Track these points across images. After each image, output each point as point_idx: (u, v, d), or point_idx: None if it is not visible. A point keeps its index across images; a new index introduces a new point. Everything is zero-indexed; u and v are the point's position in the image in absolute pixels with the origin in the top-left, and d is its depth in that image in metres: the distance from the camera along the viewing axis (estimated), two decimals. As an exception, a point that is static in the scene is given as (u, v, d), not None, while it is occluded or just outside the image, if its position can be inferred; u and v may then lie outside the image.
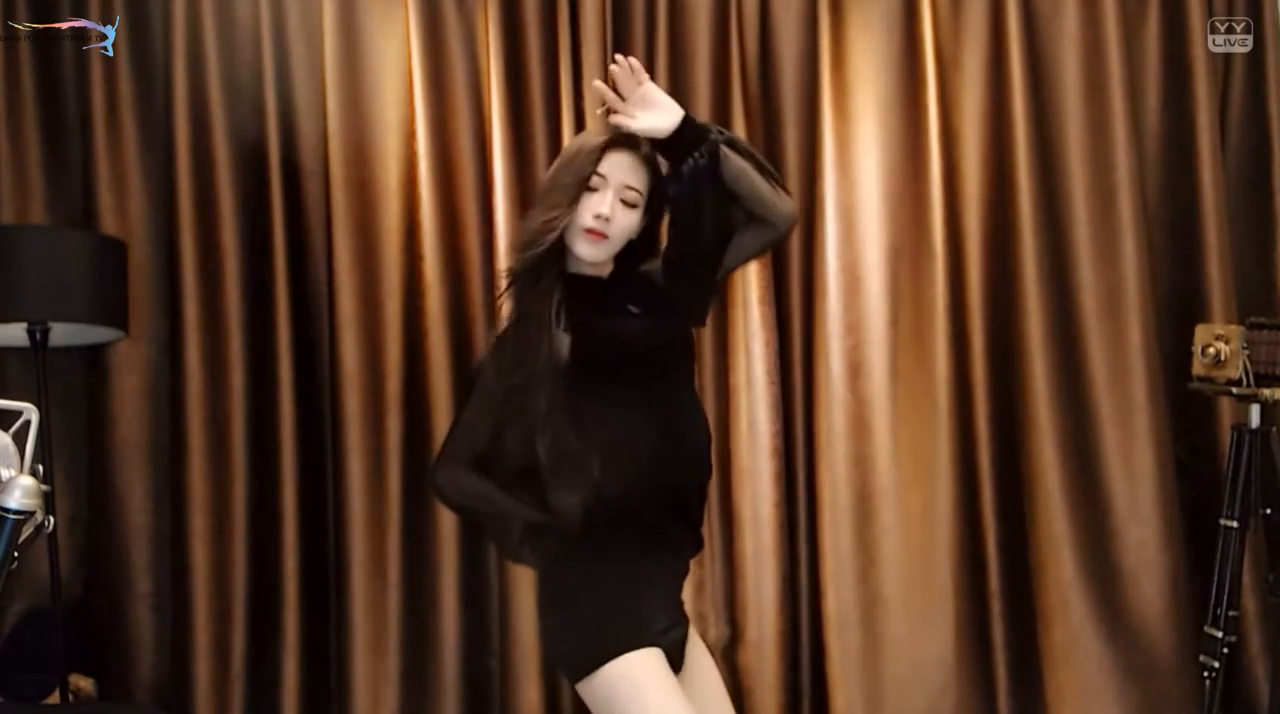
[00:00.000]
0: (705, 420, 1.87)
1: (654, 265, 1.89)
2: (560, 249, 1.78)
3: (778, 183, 1.80)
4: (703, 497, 1.84)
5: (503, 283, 1.84)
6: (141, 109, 2.86)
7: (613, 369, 1.76)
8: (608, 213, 1.75)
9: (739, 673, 2.83)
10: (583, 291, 1.79)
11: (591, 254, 1.78)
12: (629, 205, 1.78)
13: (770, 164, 1.81)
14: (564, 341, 1.70)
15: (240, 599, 2.74)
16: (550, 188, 1.80)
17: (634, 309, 1.81)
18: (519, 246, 1.80)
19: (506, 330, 1.80)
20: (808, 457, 2.87)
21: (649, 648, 1.65)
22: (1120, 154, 2.82)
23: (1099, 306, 2.82)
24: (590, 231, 1.75)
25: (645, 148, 1.81)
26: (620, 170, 1.78)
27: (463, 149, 2.86)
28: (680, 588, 1.80)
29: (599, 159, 1.76)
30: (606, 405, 1.72)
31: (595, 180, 1.76)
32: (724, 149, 1.73)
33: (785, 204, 1.80)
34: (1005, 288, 2.87)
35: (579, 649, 1.67)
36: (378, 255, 2.82)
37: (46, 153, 2.87)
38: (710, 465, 1.87)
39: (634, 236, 1.82)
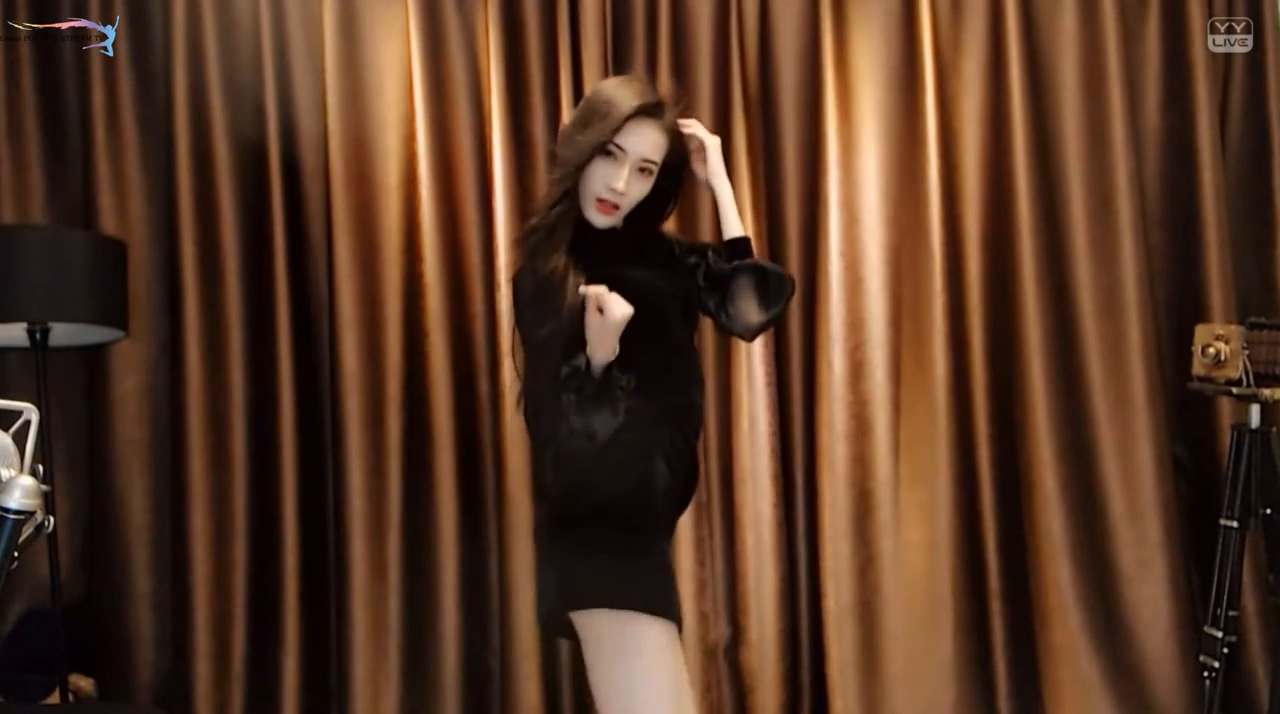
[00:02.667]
0: (703, 377, 1.92)
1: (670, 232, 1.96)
2: (575, 203, 1.80)
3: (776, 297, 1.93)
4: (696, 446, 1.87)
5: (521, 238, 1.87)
6: (141, 109, 2.86)
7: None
8: (622, 187, 1.77)
9: (740, 672, 2.83)
10: (596, 241, 1.81)
11: (600, 223, 1.81)
12: (644, 173, 1.80)
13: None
14: (579, 288, 1.71)
15: (240, 599, 2.74)
16: (568, 145, 1.81)
17: (644, 261, 1.85)
18: (543, 200, 1.83)
19: (520, 276, 1.82)
20: (808, 456, 2.87)
21: (674, 625, 1.69)
22: (1119, 154, 2.82)
23: (1098, 307, 2.82)
24: (601, 202, 1.78)
25: (669, 118, 1.83)
26: (642, 144, 1.78)
27: (463, 149, 2.86)
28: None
29: (620, 127, 1.76)
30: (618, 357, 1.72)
31: (614, 148, 1.76)
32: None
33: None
34: (1004, 288, 2.87)
35: (608, 582, 1.68)
36: (378, 255, 2.82)
37: (46, 153, 2.87)
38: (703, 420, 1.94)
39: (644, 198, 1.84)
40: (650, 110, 1.79)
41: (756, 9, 2.91)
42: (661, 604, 1.68)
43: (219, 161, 2.79)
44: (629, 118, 1.76)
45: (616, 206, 1.79)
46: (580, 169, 1.77)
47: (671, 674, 1.66)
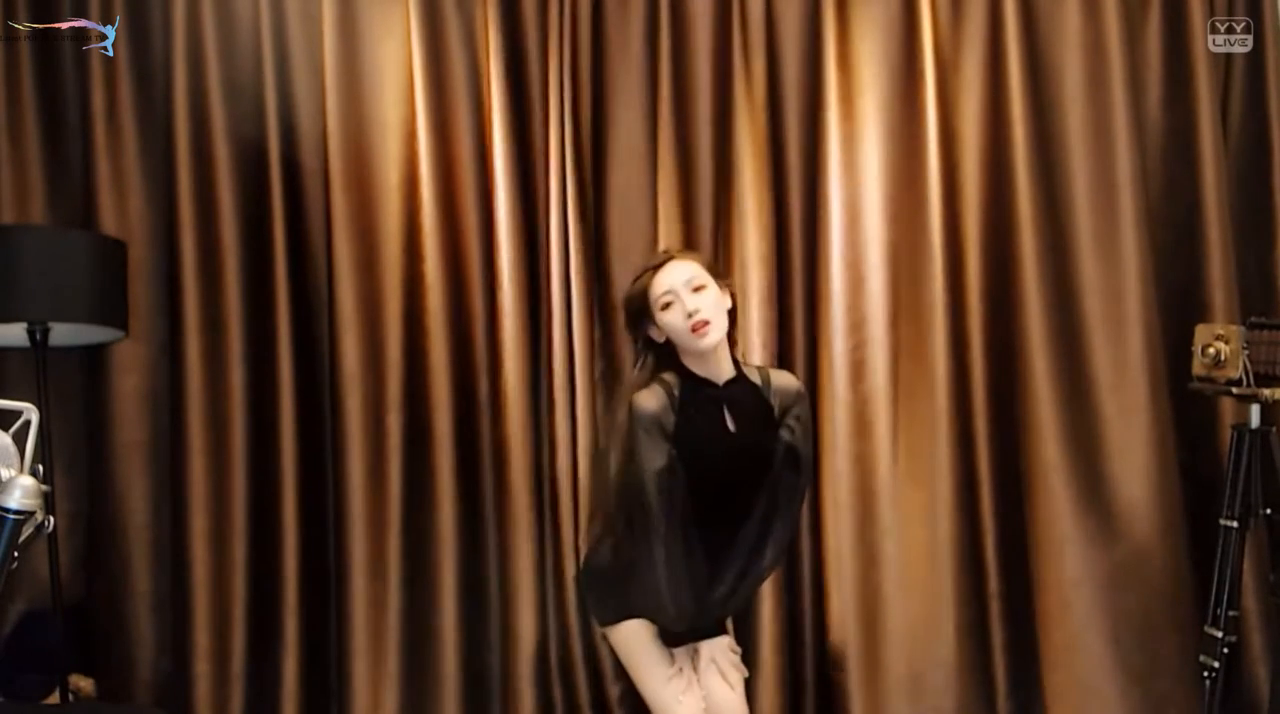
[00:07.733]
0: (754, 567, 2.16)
1: (778, 382, 2.19)
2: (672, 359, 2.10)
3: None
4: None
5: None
6: (141, 109, 2.85)
7: (696, 476, 2.03)
8: (692, 307, 2.02)
9: (739, 673, 2.83)
10: (697, 394, 2.07)
11: (710, 342, 2.04)
12: (700, 290, 2.05)
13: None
14: (664, 449, 2.02)
15: (240, 599, 2.74)
16: (634, 338, 2.16)
17: (731, 426, 2.10)
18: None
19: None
20: (808, 456, 2.87)
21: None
22: (1122, 153, 2.81)
23: (1101, 306, 2.82)
24: (694, 328, 2.02)
25: (681, 252, 2.18)
26: (677, 275, 2.06)
27: (463, 149, 2.86)
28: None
29: (647, 290, 2.06)
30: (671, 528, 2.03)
31: (667, 300, 2.04)
32: None
33: None
34: (1005, 287, 2.87)
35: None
36: (378, 255, 2.82)
37: (46, 153, 2.87)
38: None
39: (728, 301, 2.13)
40: (658, 264, 2.09)
41: (757, 9, 2.91)
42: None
43: (219, 161, 2.79)
44: (654, 273, 2.07)
45: (706, 322, 2.02)
46: (658, 340, 2.08)
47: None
